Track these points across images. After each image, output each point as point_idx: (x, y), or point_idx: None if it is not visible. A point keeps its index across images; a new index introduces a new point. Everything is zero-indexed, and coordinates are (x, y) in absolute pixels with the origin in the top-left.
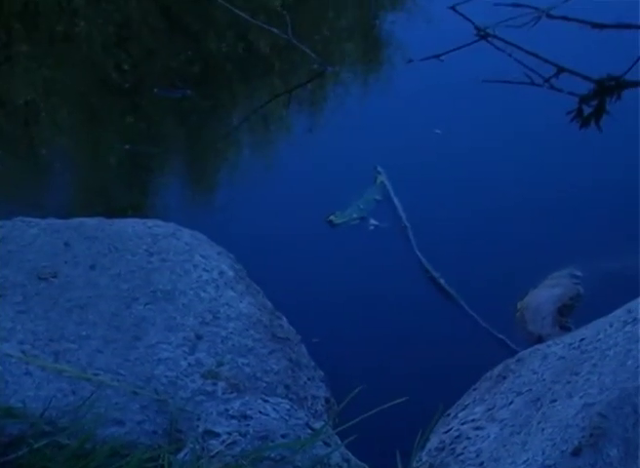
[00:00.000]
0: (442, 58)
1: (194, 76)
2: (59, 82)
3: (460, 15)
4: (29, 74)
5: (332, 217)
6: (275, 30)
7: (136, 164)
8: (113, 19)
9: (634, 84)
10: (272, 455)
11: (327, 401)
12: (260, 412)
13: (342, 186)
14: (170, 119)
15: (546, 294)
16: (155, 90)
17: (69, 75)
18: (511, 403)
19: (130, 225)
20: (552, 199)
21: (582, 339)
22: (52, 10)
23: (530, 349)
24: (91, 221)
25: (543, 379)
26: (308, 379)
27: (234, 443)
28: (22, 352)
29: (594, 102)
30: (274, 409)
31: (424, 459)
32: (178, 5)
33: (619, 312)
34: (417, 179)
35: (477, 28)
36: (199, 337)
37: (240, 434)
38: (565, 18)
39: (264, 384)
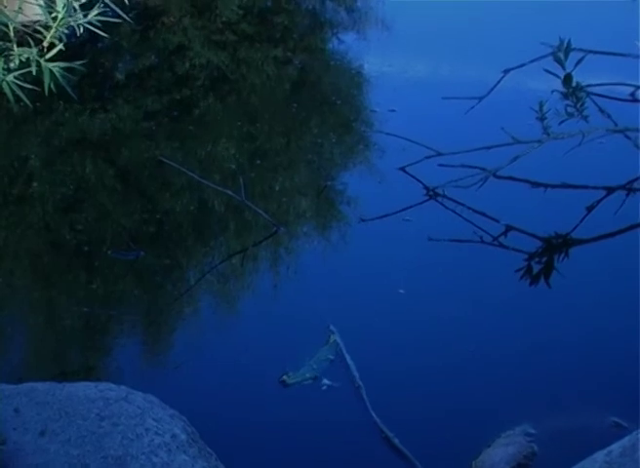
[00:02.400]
0: (408, 217)
1: (149, 236)
2: (12, 243)
3: (410, 175)
4: None
5: (285, 377)
6: (229, 192)
7: (89, 326)
8: (68, 180)
9: (581, 241)
10: None
11: None
12: None
13: (296, 346)
14: (124, 281)
15: (501, 453)
16: (109, 251)
17: (23, 236)
18: None
19: (81, 389)
20: (503, 358)
21: None
22: (6, 172)
23: None
24: (42, 386)
25: None
26: None
27: None
28: None
29: (543, 260)
30: None
31: None
32: (132, 167)
33: None
34: (369, 339)
35: (427, 188)
36: None
37: None
38: (512, 178)
39: None
